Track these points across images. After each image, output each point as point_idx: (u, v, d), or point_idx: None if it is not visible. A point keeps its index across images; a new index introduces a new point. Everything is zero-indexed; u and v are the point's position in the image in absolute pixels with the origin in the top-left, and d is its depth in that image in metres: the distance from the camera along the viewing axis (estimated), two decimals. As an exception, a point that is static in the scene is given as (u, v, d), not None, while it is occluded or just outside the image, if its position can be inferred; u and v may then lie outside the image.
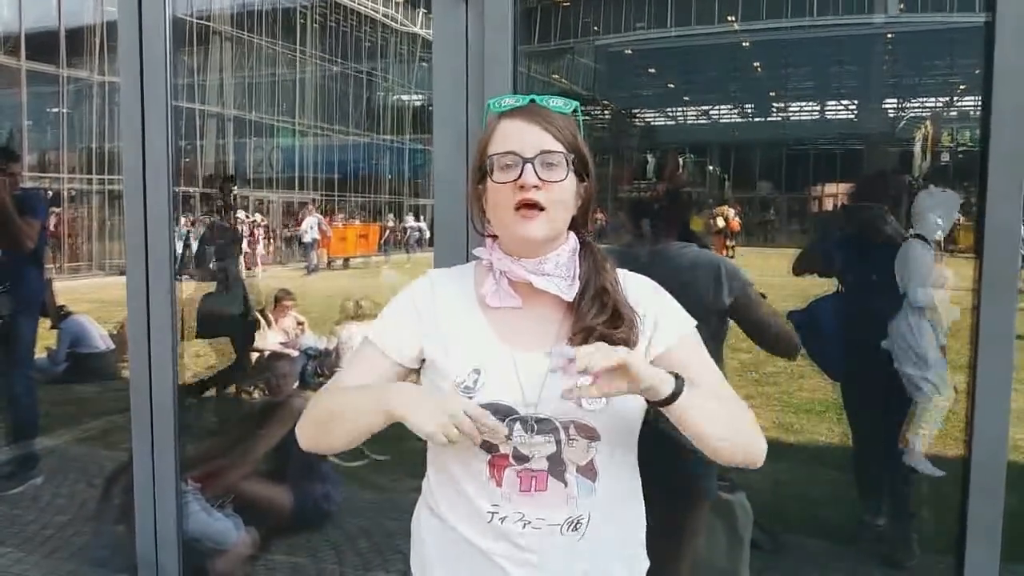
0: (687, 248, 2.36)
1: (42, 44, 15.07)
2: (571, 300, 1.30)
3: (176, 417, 2.91)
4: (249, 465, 3.58)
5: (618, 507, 1.33)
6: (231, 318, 4.93)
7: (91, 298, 8.28)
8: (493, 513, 1.27)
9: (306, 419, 1.35)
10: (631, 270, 1.41)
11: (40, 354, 5.53)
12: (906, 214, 3.22)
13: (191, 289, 4.89)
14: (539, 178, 1.24)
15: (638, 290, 1.37)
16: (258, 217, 15.98)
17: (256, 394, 5.56)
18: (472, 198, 1.36)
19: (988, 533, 2.05)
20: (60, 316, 5.95)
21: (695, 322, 1.37)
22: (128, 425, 2.98)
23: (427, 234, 17.94)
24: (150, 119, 2.79)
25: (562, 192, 1.27)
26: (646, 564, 1.41)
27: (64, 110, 16.22)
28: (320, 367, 6.34)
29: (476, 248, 1.37)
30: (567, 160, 1.26)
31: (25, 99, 15.13)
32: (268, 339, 6.13)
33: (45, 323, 5.54)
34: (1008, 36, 1.95)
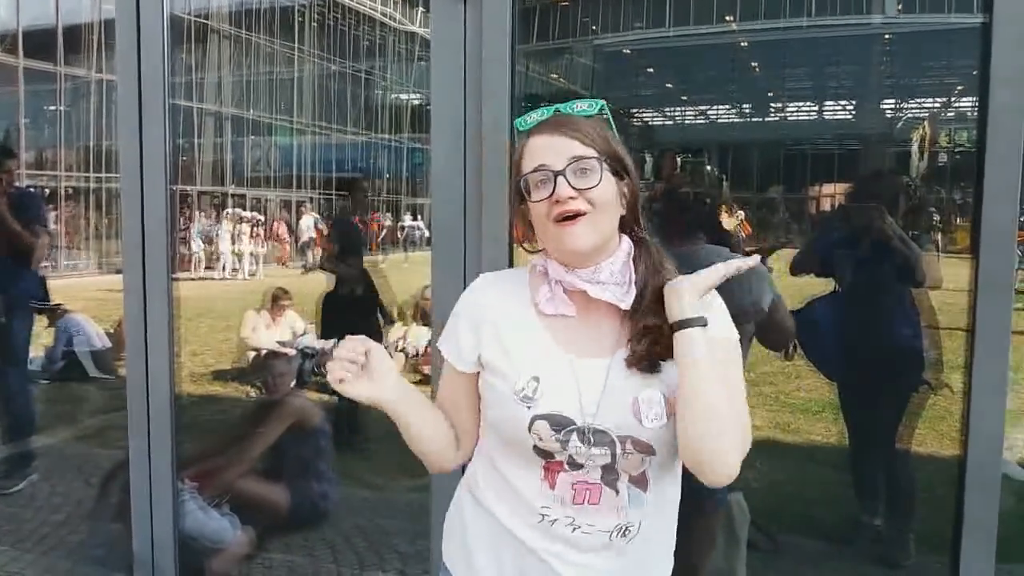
0: (722, 251, 2.34)
1: (40, 42, 15.06)
2: (627, 308, 1.27)
3: (173, 416, 2.91)
4: (246, 464, 3.58)
5: (663, 514, 1.34)
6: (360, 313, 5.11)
7: (87, 296, 8.28)
8: (544, 515, 1.27)
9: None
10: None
11: (38, 352, 5.54)
12: (903, 214, 3.22)
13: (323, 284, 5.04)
14: (573, 188, 1.21)
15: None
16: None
17: (253, 393, 5.57)
18: (516, 219, 1.33)
19: (984, 532, 2.06)
20: (57, 314, 5.95)
21: (737, 336, 1.33)
22: (125, 424, 2.98)
23: (426, 233, 17.95)
24: (148, 117, 2.79)
25: (601, 195, 1.23)
26: (671, 565, 1.41)
27: (62, 108, 16.20)
28: (317, 366, 6.34)
29: (532, 256, 1.35)
30: (600, 163, 1.23)
31: (23, 97, 15.10)
32: (264, 338, 6.14)
33: (43, 320, 5.55)
34: (1005, 37, 1.95)
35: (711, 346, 1.21)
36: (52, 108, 16.19)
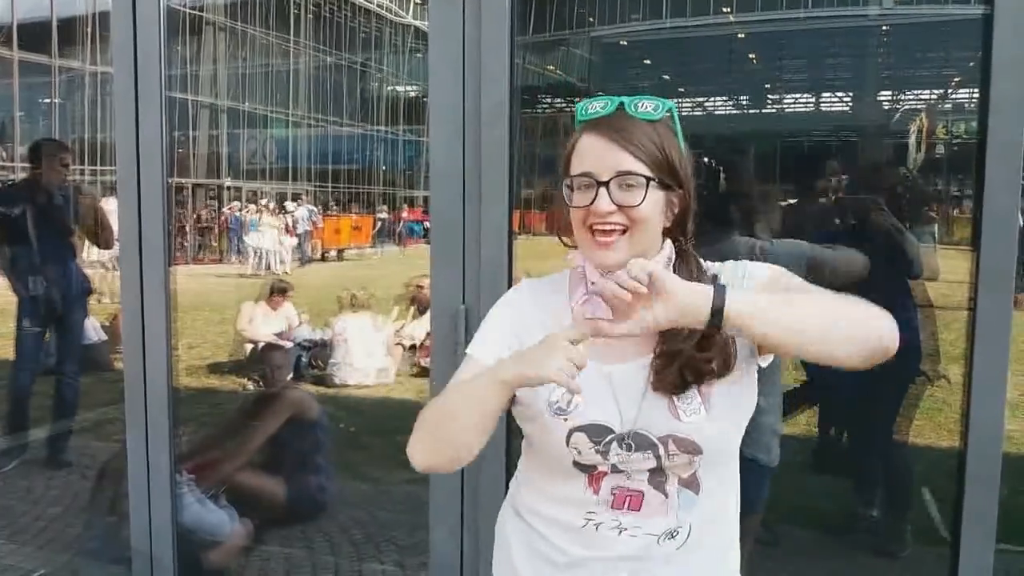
0: (754, 242, 2.32)
1: (35, 34, 14.98)
2: None
3: (171, 408, 2.90)
4: (244, 456, 3.58)
5: (718, 520, 1.28)
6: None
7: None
8: (588, 520, 1.23)
9: (418, 434, 1.24)
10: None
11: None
12: (900, 206, 3.22)
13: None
14: (614, 203, 1.16)
15: (721, 270, 1.28)
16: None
17: (250, 386, 5.56)
18: (563, 209, 1.26)
19: (983, 523, 2.06)
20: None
21: (777, 269, 1.27)
22: (122, 416, 2.97)
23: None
24: (144, 110, 2.77)
25: (642, 214, 1.17)
26: None
27: (57, 100, 16.13)
28: (314, 359, 6.34)
29: (570, 253, 1.29)
30: (647, 181, 1.17)
31: (17, 89, 15.04)
32: (261, 330, 6.13)
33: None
34: (1007, 27, 1.95)
35: (753, 298, 1.13)
36: (47, 101, 16.11)
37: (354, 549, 3.46)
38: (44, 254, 4.28)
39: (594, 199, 1.17)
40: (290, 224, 14.26)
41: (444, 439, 1.22)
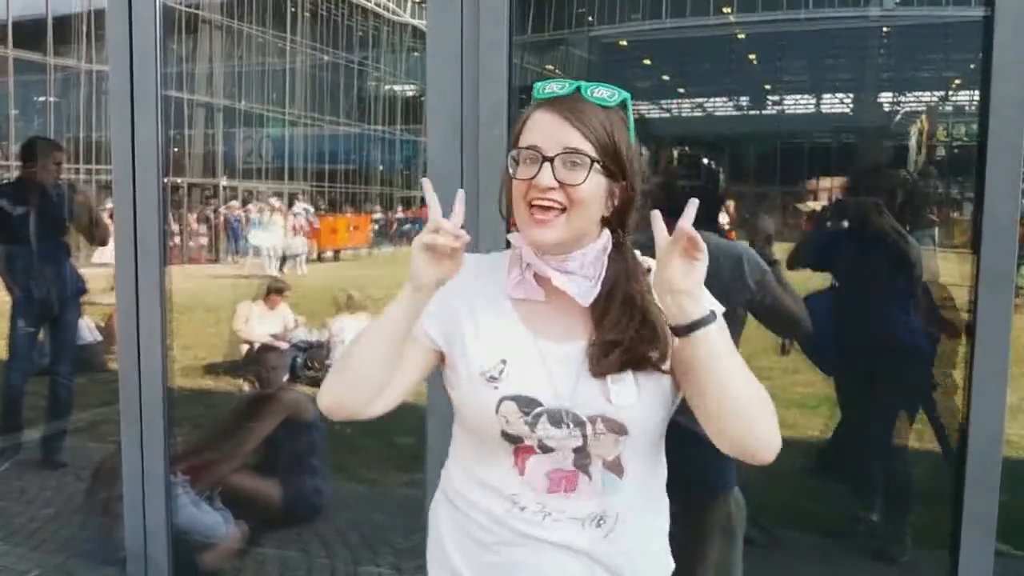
0: (707, 237, 2.31)
1: (29, 32, 14.93)
2: (587, 306, 1.22)
3: (166, 409, 2.89)
4: (239, 458, 3.57)
5: (645, 504, 1.29)
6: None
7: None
8: (514, 502, 1.23)
9: (330, 376, 1.24)
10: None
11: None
12: (900, 208, 3.21)
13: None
14: (556, 179, 1.17)
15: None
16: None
17: (246, 387, 5.54)
18: (504, 183, 1.27)
19: (984, 527, 2.06)
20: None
21: (722, 308, 1.26)
22: (116, 417, 2.95)
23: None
24: (140, 108, 2.76)
25: (582, 194, 1.18)
26: (671, 566, 1.36)
27: (52, 99, 16.09)
28: (310, 360, 6.32)
29: (511, 234, 1.30)
30: (591, 162, 1.17)
31: (12, 88, 15.00)
32: (257, 331, 6.12)
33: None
34: (1007, 29, 1.94)
35: (723, 334, 1.16)
36: (42, 99, 16.08)
37: (350, 552, 3.44)
38: (38, 253, 4.26)
39: (537, 172, 1.18)
40: (297, 225, 14.23)
41: (352, 375, 1.22)
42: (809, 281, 3.18)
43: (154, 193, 2.79)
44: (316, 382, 6.03)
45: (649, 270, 1.24)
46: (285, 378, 4.20)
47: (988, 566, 2.08)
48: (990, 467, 2.04)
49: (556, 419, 1.20)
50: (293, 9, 19.82)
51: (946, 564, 2.17)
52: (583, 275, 1.22)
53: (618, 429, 1.20)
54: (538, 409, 1.20)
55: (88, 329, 6.04)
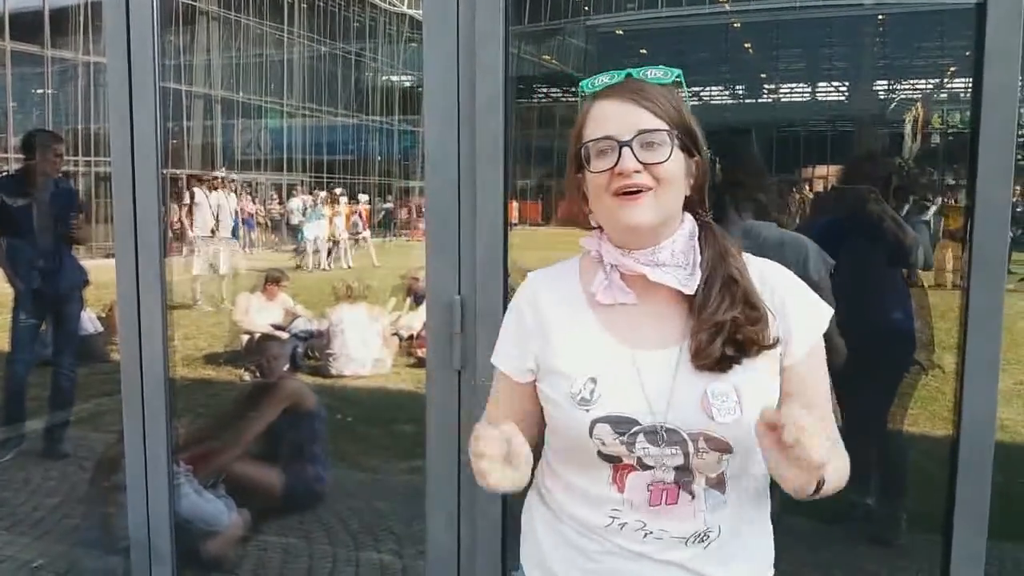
0: (771, 227, 2.31)
1: (27, 24, 14.89)
2: (691, 293, 1.15)
3: (168, 399, 2.90)
4: (241, 447, 3.59)
5: (747, 523, 1.23)
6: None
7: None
8: (613, 519, 1.17)
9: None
10: None
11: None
12: (895, 195, 3.22)
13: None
14: (639, 161, 1.11)
15: (771, 279, 1.21)
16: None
17: (247, 376, 5.56)
18: (571, 188, 1.20)
19: (976, 512, 2.07)
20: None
21: (831, 312, 1.21)
22: (119, 407, 2.97)
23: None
24: (138, 100, 2.76)
25: (668, 172, 1.12)
26: None
27: (49, 91, 16.06)
28: (311, 349, 6.35)
29: (583, 238, 1.23)
30: (670, 137, 1.12)
31: (9, 80, 14.96)
32: (258, 321, 6.14)
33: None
34: (1000, 17, 1.95)
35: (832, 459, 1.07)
36: (40, 91, 16.04)
37: (351, 538, 3.47)
38: (39, 245, 4.28)
39: (618, 160, 1.11)
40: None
41: None
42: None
43: (153, 185, 2.80)
44: (317, 371, 6.07)
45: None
46: (286, 367, 4.22)
47: (981, 550, 2.10)
48: (982, 452, 2.06)
49: (655, 438, 1.13)
50: (290, 0, 19.74)
51: (940, 548, 2.18)
52: (676, 264, 1.16)
53: (722, 448, 1.13)
54: (635, 428, 1.13)
55: (89, 320, 6.06)
